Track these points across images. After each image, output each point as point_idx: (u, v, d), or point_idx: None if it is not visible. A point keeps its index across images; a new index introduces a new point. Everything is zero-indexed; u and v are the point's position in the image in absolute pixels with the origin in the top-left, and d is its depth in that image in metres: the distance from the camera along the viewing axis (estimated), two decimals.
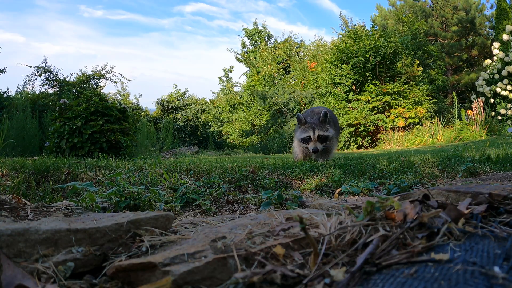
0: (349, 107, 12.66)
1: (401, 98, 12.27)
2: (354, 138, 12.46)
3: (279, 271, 0.64)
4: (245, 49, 22.77)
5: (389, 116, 12.09)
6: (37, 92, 11.31)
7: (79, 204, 1.47)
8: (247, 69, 22.33)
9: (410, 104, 12.12)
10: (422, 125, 11.16)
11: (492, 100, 10.91)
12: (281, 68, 20.58)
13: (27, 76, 11.72)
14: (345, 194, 2.08)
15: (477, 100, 10.16)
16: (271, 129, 17.33)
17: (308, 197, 2.16)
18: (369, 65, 12.36)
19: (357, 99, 12.50)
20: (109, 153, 5.10)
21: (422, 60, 15.25)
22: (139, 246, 0.86)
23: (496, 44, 11.36)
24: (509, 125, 10.01)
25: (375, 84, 12.35)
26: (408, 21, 17.01)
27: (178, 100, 19.49)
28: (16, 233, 0.76)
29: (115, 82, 13.36)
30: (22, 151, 5.89)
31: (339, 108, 12.66)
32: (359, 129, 12.32)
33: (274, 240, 0.77)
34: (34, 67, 11.57)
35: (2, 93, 10.50)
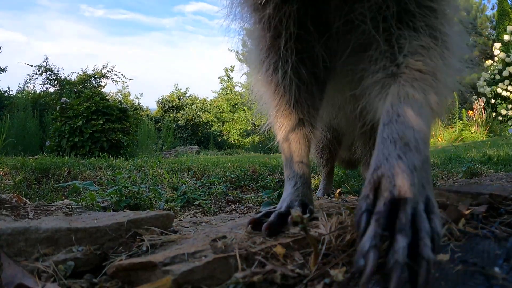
0: None
1: None
2: None
3: (279, 271, 0.64)
4: (246, 49, 22.75)
5: None
6: (38, 91, 11.35)
7: (80, 203, 1.47)
8: (248, 68, 22.30)
9: None
10: None
11: (493, 101, 10.88)
12: None
13: (28, 75, 11.74)
14: (345, 194, 2.08)
15: (478, 101, 10.14)
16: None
17: None
18: None
19: None
20: (109, 152, 5.10)
21: None
22: (139, 246, 0.86)
23: (497, 45, 11.34)
24: (510, 126, 9.98)
25: None
26: None
27: (179, 99, 19.48)
28: (16, 232, 0.76)
29: (116, 81, 13.39)
30: (22, 150, 5.88)
31: None
32: None
33: (274, 240, 0.77)
34: (35, 66, 11.58)
35: (3, 92, 10.54)
